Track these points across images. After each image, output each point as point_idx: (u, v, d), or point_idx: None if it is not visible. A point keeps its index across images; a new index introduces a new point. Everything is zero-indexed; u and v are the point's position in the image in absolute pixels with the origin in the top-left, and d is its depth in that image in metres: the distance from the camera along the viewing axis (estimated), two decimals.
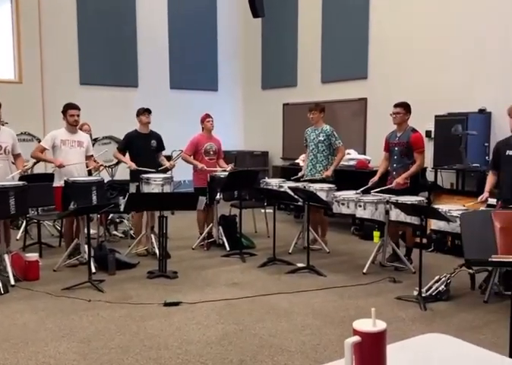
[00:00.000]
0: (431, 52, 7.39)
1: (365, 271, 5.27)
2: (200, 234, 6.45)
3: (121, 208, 5.67)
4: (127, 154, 6.23)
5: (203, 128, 6.59)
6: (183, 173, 7.55)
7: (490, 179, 4.75)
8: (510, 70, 6.50)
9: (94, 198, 5.26)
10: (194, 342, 3.59)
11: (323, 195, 5.63)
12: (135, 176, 5.97)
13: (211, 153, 6.53)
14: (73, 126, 5.67)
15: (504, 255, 2.40)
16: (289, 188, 5.73)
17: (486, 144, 6.55)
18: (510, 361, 1.55)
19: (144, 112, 6.12)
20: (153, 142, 6.22)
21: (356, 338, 1.29)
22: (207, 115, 6.56)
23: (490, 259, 2.40)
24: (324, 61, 9.16)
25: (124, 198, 5.65)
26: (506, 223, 2.47)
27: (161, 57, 9.93)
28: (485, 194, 4.67)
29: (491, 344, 3.52)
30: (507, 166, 4.46)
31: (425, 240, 5.95)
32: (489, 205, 4.82)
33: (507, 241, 2.42)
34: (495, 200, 4.68)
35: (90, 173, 5.93)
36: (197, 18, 10.25)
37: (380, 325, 1.32)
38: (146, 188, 5.71)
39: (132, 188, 6.06)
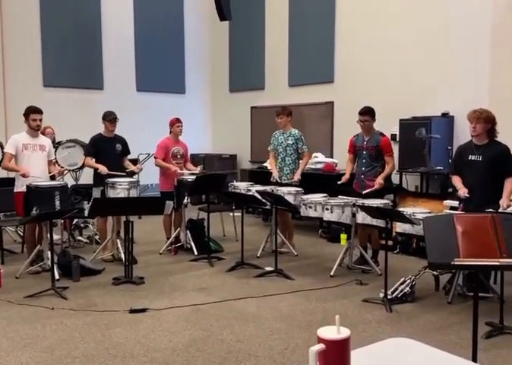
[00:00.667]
0: (396, 58, 7.51)
1: (332, 273, 5.30)
2: (167, 239, 6.39)
3: (86, 213, 5.56)
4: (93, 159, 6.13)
5: (171, 131, 6.53)
6: (150, 177, 7.46)
7: (457, 179, 4.65)
8: (472, 75, 6.66)
9: (57, 203, 5.13)
10: (161, 349, 3.54)
11: (290, 199, 5.65)
12: (99, 180, 5.87)
13: (178, 157, 6.48)
14: (35, 130, 5.54)
15: (466, 258, 2.45)
16: (257, 191, 5.73)
17: (449, 148, 6.69)
18: None
19: (111, 119, 6.02)
20: (118, 146, 6.13)
21: (320, 346, 1.30)
22: (178, 120, 6.49)
23: (452, 262, 2.44)
24: (291, 65, 9.21)
25: (88, 203, 5.55)
26: (467, 226, 2.52)
27: (127, 59, 9.81)
28: (464, 190, 4.48)
29: (454, 345, 3.58)
30: (468, 171, 4.53)
31: (390, 242, 6.05)
32: (452, 208, 4.92)
33: (468, 244, 2.48)
34: (457, 203, 4.77)
35: (53, 178, 5.80)
36: (164, 20, 10.17)
37: (345, 332, 1.33)
38: (111, 193, 5.61)
39: (96, 193, 5.94)
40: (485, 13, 6.49)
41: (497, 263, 2.45)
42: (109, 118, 6.02)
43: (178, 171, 6.26)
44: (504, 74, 6.36)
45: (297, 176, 6.21)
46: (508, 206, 4.24)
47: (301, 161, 6.36)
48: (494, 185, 4.38)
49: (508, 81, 6.33)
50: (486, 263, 2.46)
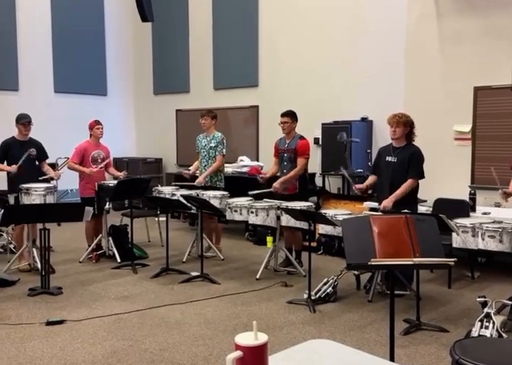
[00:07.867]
0: (318, 62, 7.68)
1: (258, 276, 5.32)
2: (89, 246, 6.15)
3: None
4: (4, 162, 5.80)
5: (91, 134, 6.31)
6: (70, 182, 7.15)
7: (370, 178, 4.98)
8: (387, 81, 6.94)
9: None
10: (79, 362, 3.39)
11: (216, 203, 5.62)
12: (13, 186, 5.55)
13: (99, 161, 6.26)
14: None
15: (382, 258, 2.53)
16: (182, 196, 5.64)
17: (368, 151, 6.93)
18: (387, 364, 1.61)
19: (24, 123, 5.74)
20: (32, 150, 5.84)
21: (238, 353, 1.28)
22: (97, 122, 6.30)
23: (369, 263, 2.51)
24: (216, 68, 9.19)
25: (1, 210, 5.22)
26: (383, 227, 2.61)
27: (44, 59, 9.36)
28: (362, 185, 4.94)
29: (375, 343, 3.69)
30: (385, 171, 4.72)
31: (314, 244, 6.16)
32: (372, 209, 5.09)
33: (383, 245, 2.56)
34: (376, 204, 4.94)
35: None
36: (83, 19, 9.77)
37: (262, 338, 1.32)
38: (26, 199, 5.33)
39: (11, 200, 5.63)
40: (400, 20, 6.79)
41: (411, 262, 2.55)
42: (22, 121, 5.74)
43: (94, 171, 6.05)
44: (417, 79, 6.69)
45: (201, 179, 6.16)
46: (385, 207, 4.48)
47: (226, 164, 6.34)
48: None
49: (420, 86, 6.66)
50: (401, 262, 2.55)
